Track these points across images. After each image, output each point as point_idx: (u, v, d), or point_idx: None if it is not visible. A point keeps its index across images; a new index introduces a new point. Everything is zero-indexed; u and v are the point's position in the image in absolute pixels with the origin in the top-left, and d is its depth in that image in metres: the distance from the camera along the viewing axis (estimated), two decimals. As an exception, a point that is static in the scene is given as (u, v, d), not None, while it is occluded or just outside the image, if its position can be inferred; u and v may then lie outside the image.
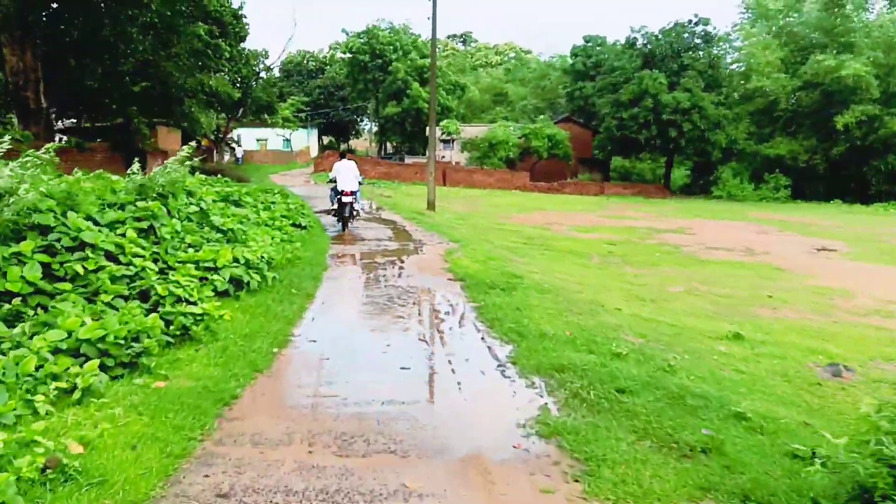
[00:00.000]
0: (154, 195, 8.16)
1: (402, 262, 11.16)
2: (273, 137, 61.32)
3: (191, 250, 7.62)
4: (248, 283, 7.54)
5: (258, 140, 64.33)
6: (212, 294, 6.81)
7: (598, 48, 54.29)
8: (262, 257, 8.30)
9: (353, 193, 13.85)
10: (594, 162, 52.45)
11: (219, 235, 8.99)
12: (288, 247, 10.51)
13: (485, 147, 46.40)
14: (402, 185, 40.06)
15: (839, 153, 42.17)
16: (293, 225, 13.58)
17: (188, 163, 9.21)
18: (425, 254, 12.24)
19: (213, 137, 44.09)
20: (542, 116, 51.64)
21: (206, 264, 7.31)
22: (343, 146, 78.33)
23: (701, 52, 43.87)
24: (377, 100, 54.22)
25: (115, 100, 23.19)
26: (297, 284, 8.43)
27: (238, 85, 39.28)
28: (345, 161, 14.26)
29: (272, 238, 10.74)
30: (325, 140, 77.74)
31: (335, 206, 14.54)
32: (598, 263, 15.02)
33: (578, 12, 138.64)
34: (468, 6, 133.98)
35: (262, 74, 41.42)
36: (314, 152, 63.83)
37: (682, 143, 43.19)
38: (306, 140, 66.15)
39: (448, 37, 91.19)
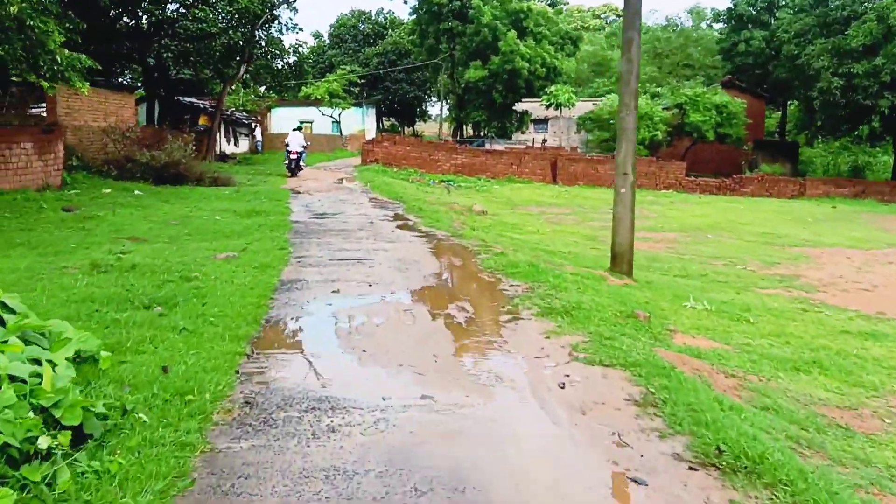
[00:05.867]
0: None
1: None
2: (319, 118, 47.63)
3: None
4: None
5: (301, 122, 50.64)
6: None
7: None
8: None
9: (298, 153, 20.78)
10: (773, 146, 35.50)
11: None
12: None
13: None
14: (492, 183, 24.94)
15: None
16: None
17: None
18: None
19: (212, 112, 29.98)
20: (690, 82, 35.13)
21: None
22: (408, 130, 63.74)
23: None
24: (453, 62, 39.01)
25: None
26: None
27: (236, 30, 24.96)
28: (296, 132, 22.06)
29: None
30: (387, 123, 63.31)
31: (287, 162, 21.08)
32: None
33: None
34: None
35: (281, 14, 26.90)
36: (371, 136, 49.45)
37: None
38: (361, 122, 51.70)
39: (534, -3, 74.89)
